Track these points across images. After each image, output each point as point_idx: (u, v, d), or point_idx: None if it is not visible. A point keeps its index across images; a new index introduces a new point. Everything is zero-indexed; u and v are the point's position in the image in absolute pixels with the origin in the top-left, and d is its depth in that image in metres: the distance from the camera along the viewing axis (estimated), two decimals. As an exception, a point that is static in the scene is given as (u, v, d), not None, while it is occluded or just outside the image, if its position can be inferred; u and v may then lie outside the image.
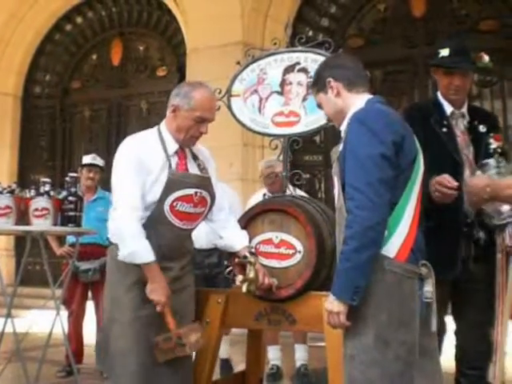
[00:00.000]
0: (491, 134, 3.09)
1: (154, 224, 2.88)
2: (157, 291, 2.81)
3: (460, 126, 3.29)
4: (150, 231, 2.86)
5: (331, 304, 2.30)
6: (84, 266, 5.17)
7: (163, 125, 3.03)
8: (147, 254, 2.80)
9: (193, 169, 3.04)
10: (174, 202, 2.90)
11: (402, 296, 2.32)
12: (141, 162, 2.87)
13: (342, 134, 2.50)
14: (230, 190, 5.28)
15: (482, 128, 3.24)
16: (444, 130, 3.24)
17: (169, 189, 2.87)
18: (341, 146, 2.43)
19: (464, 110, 3.32)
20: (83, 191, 5.05)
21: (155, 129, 3.04)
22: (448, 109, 3.29)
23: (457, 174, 3.05)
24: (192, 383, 3.11)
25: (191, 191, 2.94)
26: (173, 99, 2.96)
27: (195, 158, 3.08)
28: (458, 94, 3.28)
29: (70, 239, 5.32)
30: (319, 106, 2.68)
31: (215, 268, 5.11)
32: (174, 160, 2.97)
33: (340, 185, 2.41)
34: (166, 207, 2.89)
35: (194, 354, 3.17)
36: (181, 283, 3.04)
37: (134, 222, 2.83)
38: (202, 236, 4.79)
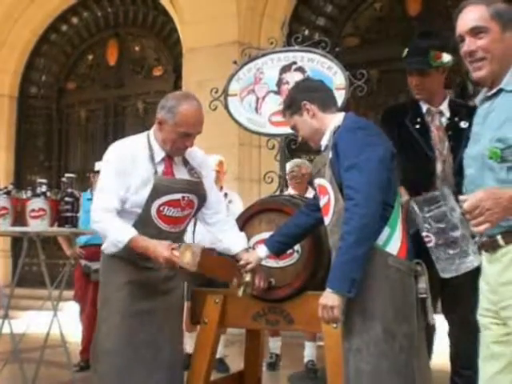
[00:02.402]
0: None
1: (142, 227, 2.89)
2: (157, 256, 2.76)
3: (435, 123, 3.30)
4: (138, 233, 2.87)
5: (326, 298, 2.39)
6: (95, 265, 5.22)
7: (152, 132, 3.02)
8: (124, 236, 2.80)
9: (181, 174, 3.02)
10: (160, 206, 2.91)
11: (405, 291, 2.44)
12: (123, 167, 2.89)
13: (323, 146, 2.65)
14: (238, 200, 5.41)
15: (463, 124, 3.25)
16: (417, 126, 3.28)
17: (155, 194, 2.89)
18: (330, 154, 2.53)
19: (442, 107, 3.32)
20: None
21: (145, 134, 3.04)
22: (424, 106, 3.32)
23: (429, 170, 3.16)
24: (183, 383, 3.12)
25: (178, 196, 2.94)
26: (159, 111, 2.94)
27: (186, 163, 3.07)
28: (420, 94, 3.32)
29: (81, 240, 5.39)
30: (293, 128, 2.80)
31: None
32: (161, 167, 2.96)
33: (337, 188, 2.49)
34: (153, 212, 2.91)
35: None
36: (170, 284, 3.05)
37: (106, 217, 2.85)
38: (205, 235, 4.82)
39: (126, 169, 2.89)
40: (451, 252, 2.14)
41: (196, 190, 3.02)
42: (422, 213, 2.16)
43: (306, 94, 2.70)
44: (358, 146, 2.44)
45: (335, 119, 2.64)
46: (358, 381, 2.41)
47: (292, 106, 2.74)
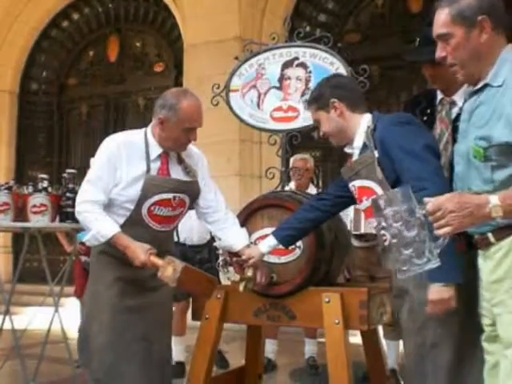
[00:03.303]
0: None
1: (132, 225, 2.89)
2: (134, 257, 2.77)
3: (442, 113, 3.22)
4: (128, 232, 2.85)
5: (439, 292, 2.29)
6: None
7: (149, 130, 3.00)
8: (107, 230, 2.80)
9: (176, 173, 3.01)
10: (151, 206, 2.91)
11: (474, 277, 2.32)
12: (117, 160, 2.88)
13: (359, 147, 2.61)
14: None
15: None
16: (425, 118, 3.20)
17: (146, 193, 2.88)
18: (376, 153, 2.50)
19: (456, 96, 3.12)
20: None
21: (142, 131, 3.02)
22: (439, 96, 3.25)
23: None
24: (171, 380, 3.12)
25: (169, 196, 2.94)
26: (159, 111, 2.91)
27: (180, 161, 3.05)
28: (434, 83, 3.19)
29: (82, 236, 5.40)
30: (316, 122, 2.75)
31: (206, 263, 5.17)
32: (156, 164, 2.95)
33: (389, 187, 2.45)
34: (144, 211, 2.90)
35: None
36: (157, 281, 3.02)
37: (92, 210, 2.85)
38: (193, 232, 4.87)
39: (118, 162, 2.88)
40: (405, 252, 2.09)
41: (188, 190, 3.01)
42: (381, 210, 2.12)
43: (336, 91, 2.66)
44: (411, 138, 2.44)
45: (364, 120, 2.63)
46: (437, 375, 2.38)
47: (319, 100, 2.70)
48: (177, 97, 2.90)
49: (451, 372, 2.36)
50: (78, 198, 2.92)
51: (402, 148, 2.43)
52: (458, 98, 3.19)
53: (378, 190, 2.51)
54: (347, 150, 2.73)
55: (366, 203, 2.61)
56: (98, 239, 2.82)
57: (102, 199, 2.86)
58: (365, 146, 2.58)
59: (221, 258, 5.02)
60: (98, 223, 2.82)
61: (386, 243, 2.15)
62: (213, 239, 5.05)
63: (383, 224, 2.09)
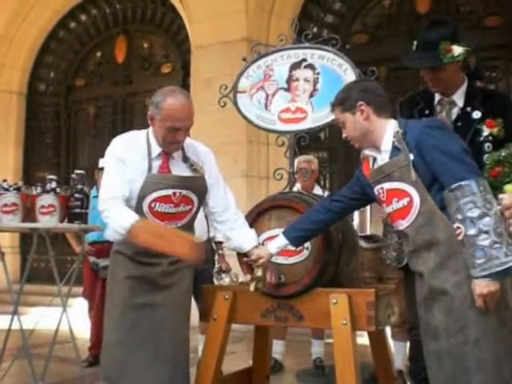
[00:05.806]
0: (484, 121, 3.02)
1: None
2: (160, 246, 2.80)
3: (442, 114, 3.20)
4: None
5: (488, 286, 2.33)
6: (103, 262, 5.27)
7: (150, 128, 3.04)
8: (126, 221, 2.80)
9: (180, 170, 3.03)
10: (151, 203, 2.94)
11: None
12: (123, 157, 2.94)
13: (387, 151, 2.64)
14: None
15: (475, 114, 3.11)
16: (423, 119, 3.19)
17: (145, 190, 2.92)
18: (411, 156, 2.54)
19: (455, 96, 3.19)
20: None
21: (145, 131, 3.08)
22: (437, 96, 3.23)
23: None
24: (185, 378, 3.12)
25: (169, 192, 2.95)
26: (149, 108, 2.97)
27: (186, 159, 3.06)
28: (434, 86, 3.19)
29: (90, 237, 5.43)
30: (341, 124, 2.77)
31: (202, 264, 5.13)
32: (157, 162, 2.99)
33: (424, 189, 2.50)
34: (145, 208, 2.94)
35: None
36: (170, 279, 3.06)
37: (109, 205, 2.87)
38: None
39: (125, 159, 2.94)
40: (482, 244, 2.06)
41: (192, 186, 3.02)
42: (455, 202, 2.11)
43: (363, 95, 2.69)
44: (449, 141, 2.51)
45: (391, 124, 2.66)
46: (482, 371, 2.40)
47: (346, 102, 2.72)
48: (163, 95, 2.93)
49: (498, 366, 2.39)
50: (99, 199, 2.96)
51: (442, 150, 2.48)
52: (458, 97, 3.18)
53: (412, 192, 2.54)
54: (368, 152, 2.75)
55: (394, 205, 2.63)
56: (119, 232, 2.83)
57: (121, 193, 2.89)
58: (396, 149, 2.61)
59: (216, 265, 5.02)
60: (116, 217, 2.84)
61: (461, 237, 2.20)
62: (210, 240, 5.05)
63: (458, 216, 2.09)
